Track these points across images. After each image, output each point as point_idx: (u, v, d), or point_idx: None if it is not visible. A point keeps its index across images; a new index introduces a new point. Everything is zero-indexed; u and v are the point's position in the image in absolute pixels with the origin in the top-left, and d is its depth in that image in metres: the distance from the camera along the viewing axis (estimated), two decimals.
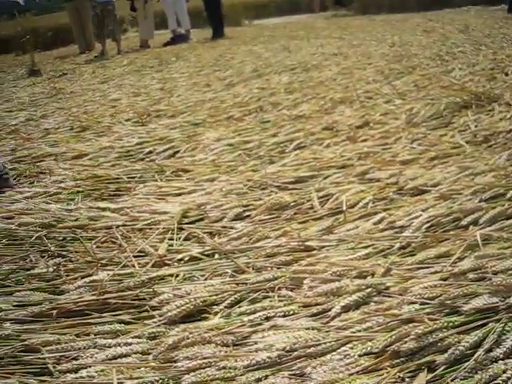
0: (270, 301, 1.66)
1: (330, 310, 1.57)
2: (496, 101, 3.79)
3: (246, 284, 1.74)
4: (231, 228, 2.18)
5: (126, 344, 1.50)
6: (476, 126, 3.31)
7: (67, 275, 1.88)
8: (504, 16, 9.93)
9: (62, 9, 12.69)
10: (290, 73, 5.72)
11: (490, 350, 1.36)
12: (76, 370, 1.40)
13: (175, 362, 1.41)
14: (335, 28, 10.61)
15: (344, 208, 2.21)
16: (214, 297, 1.68)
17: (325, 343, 1.42)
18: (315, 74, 5.52)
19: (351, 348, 1.40)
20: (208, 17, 10.88)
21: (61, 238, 2.18)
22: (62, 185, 2.73)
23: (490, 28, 8.12)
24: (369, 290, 1.63)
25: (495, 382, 1.26)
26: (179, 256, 1.97)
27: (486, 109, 3.67)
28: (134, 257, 1.96)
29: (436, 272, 1.72)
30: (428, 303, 1.54)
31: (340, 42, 8.13)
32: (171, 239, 2.11)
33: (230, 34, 11.01)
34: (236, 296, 1.69)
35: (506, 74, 4.69)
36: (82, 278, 1.85)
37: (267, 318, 1.56)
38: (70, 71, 7.70)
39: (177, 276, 1.83)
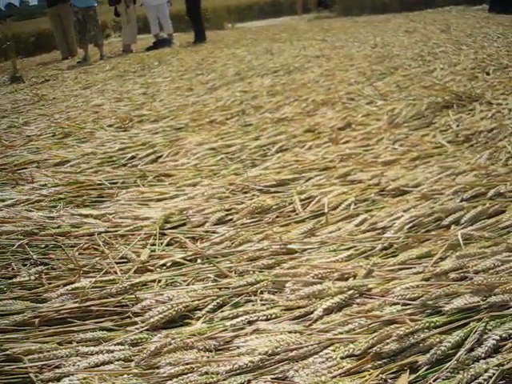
0: (253, 305, 1.66)
1: (312, 312, 1.57)
2: (477, 100, 3.81)
3: (229, 288, 1.74)
4: (213, 232, 2.18)
5: (109, 351, 1.49)
6: (457, 126, 3.33)
7: (49, 283, 1.87)
8: (485, 15, 10.01)
9: (43, 14, 12.64)
10: (272, 75, 5.73)
11: (471, 350, 1.36)
12: (58, 379, 1.39)
13: (158, 368, 1.41)
14: (318, 30, 10.64)
15: (326, 210, 2.22)
16: (197, 302, 1.68)
17: (307, 346, 1.42)
18: (298, 76, 5.53)
19: (333, 350, 1.40)
20: (190, 21, 10.89)
21: (43, 246, 2.16)
22: (44, 192, 2.70)
23: (472, 28, 8.17)
24: (351, 291, 1.63)
25: (477, 381, 1.26)
26: (161, 261, 1.97)
27: (468, 108, 3.69)
28: (116, 263, 1.95)
29: (418, 272, 1.73)
30: (410, 304, 1.54)
31: (322, 43, 8.15)
32: (153, 245, 2.10)
33: (212, 37, 11.03)
34: (218, 301, 1.68)
35: (487, 74, 4.72)
36: (64, 285, 1.83)
37: (250, 322, 1.56)
38: (52, 77, 7.67)
39: (159, 282, 1.83)
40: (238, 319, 1.56)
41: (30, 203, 2.59)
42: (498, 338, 1.38)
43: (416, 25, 9.61)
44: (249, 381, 1.34)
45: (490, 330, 1.42)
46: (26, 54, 11.64)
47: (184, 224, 2.29)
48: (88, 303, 1.72)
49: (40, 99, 5.72)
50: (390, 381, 1.31)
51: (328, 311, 1.57)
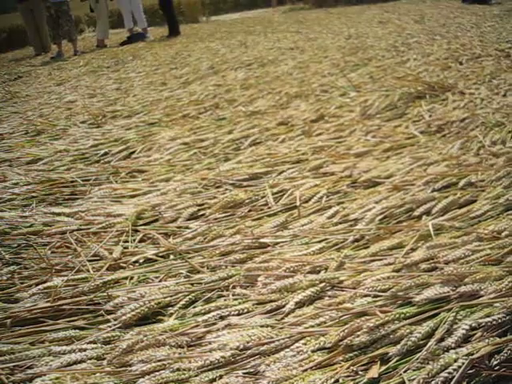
0: (225, 300, 1.66)
1: (283, 306, 1.58)
2: (450, 90, 3.84)
3: (201, 284, 1.74)
4: (186, 228, 2.17)
5: (81, 350, 1.48)
6: (430, 116, 3.35)
7: (21, 283, 1.86)
8: (459, 6, 10.08)
9: (15, 9, 12.47)
10: (246, 69, 5.72)
11: (441, 340, 1.38)
12: (30, 380, 1.38)
13: (130, 365, 1.40)
14: (292, 22, 10.63)
15: (298, 203, 2.22)
16: (169, 298, 1.68)
17: (278, 340, 1.42)
18: (271, 68, 5.52)
19: (304, 344, 1.41)
20: (164, 15, 10.84)
21: (15, 245, 2.15)
22: (16, 190, 2.68)
23: (446, 18, 8.22)
24: (322, 284, 1.64)
25: (447, 371, 1.27)
26: (134, 258, 1.96)
27: (440, 98, 3.72)
28: (89, 261, 1.95)
29: (389, 264, 1.74)
30: (380, 295, 1.55)
31: (297, 36, 8.15)
32: (126, 241, 2.10)
33: (187, 31, 10.99)
34: (190, 296, 1.69)
35: (460, 63, 4.75)
36: (37, 285, 1.82)
37: (222, 318, 1.56)
38: (25, 74, 7.60)
39: (131, 279, 1.82)
40: (210, 314, 1.57)
41: (2, 202, 2.57)
42: (467, 327, 1.40)
43: (390, 15, 9.65)
44: (220, 376, 1.34)
45: (460, 320, 1.43)
46: None
47: (157, 220, 2.29)
48: (60, 302, 1.72)
49: (12, 96, 5.67)
50: (360, 373, 1.32)
51: (300, 304, 1.58)
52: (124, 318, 1.59)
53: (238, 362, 1.38)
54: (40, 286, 1.79)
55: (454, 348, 1.35)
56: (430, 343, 1.35)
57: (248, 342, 1.42)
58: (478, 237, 1.82)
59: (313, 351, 1.39)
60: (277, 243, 1.97)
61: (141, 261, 1.96)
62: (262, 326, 1.49)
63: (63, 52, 9.16)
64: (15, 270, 1.95)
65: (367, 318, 1.44)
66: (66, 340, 1.55)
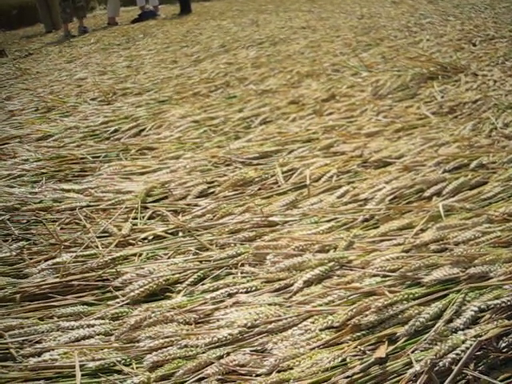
0: (233, 277, 1.66)
1: (292, 285, 1.57)
2: (462, 71, 3.80)
3: (210, 261, 1.74)
4: (195, 205, 2.17)
5: (89, 326, 1.49)
6: (442, 97, 3.32)
7: (30, 258, 1.86)
8: None
9: None
10: (257, 47, 5.68)
11: (450, 321, 1.37)
12: (39, 354, 1.39)
13: (138, 341, 1.41)
14: (304, 1, 10.55)
15: (308, 182, 2.21)
16: (177, 275, 1.68)
17: (286, 318, 1.42)
18: (283, 47, 5.49)
19: (312, 322, 1.41)
20: None
21: (24, 221, 2.15)
22: (26, 167, 2.69)
23: None
24: (331, 263, 1.63)
25: (455, 352, 1.27)
26: (143, 235, 1.96)
27: (453, 79, 3.68)
28: (98, 237, 1.95)
29: (398, 244, 1.73)
30: (389, 275, 1.55)
31: (309, 15, 8.09)
32: (135, 218, 2.10)
33: (198, 9, 10.94)
34: (199, 274, 1.69)
35: (474, 45, 4.70)
36: (46, 260, 1.83)
37: (230, 295, 1.56)
38: (36, 51, 7.58)
39: (140, 255, 1.83)
40: (218, 292, 1.57)
41: (12, 178, 2.58)
42: (476, 309, 1.39)
43: None
44: (228, 353, 1.34)
45: (469, 302, 1.43)
46: (8, 27, 11.47)
47: (166, 197, 2.28)
48: (69, 278, 1.72)
49: (23, 73, 5.66)
50: (368, 352, 1.32)
51: (308, 283, 1.57)
52: (132, 294, 1.59)
53: (246, 340, 1.38)
54: (49, 262, 1.80)
55: (462, 329, 1.34)
56: (438, 324, 1.35)
57: (256, 320, 1.42)
58: (489, 219, 1.81)
59: (320, 330, 1.39)
60: (286, 222, 1.96)
61: (150, 238, 1.96)
62: (269, 304, 1.48)
63: (70, 32, 9.06)
64: (24, 246, 1.95)
65: (375, 297, 1.43)
66: (74, 315, 1.56)
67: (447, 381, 1.22)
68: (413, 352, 1.29)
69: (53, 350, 1.40)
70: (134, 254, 1.83)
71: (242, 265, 1.71)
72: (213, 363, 1.30)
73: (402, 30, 5.74)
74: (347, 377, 1.25)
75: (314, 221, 1.94)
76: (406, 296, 1.44)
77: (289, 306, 1.47)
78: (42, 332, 1.48)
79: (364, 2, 9.01)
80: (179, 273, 1.69)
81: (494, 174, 2.19)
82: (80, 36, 8.64)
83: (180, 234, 1.97)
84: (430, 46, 4.80)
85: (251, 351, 1.34)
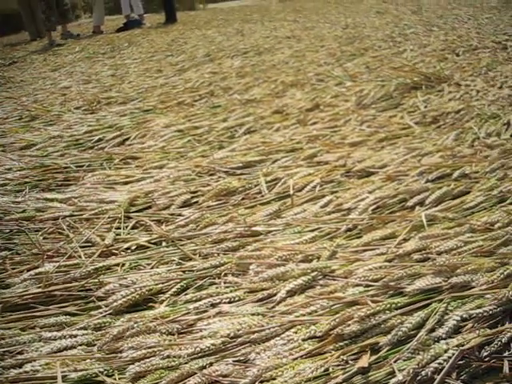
0: (216, 287, 1.66)
1: (275, 294, 1.57)
2: (446, 81, 3.84)
3: (193, 271, 1.74)
4: (179, 215, 2.17)
5: (72, 336, 1.48)
6: (425, 107, 3.35)
7: (13, 268, 1.85)
8: None
9: None
10: (242, 57, 5.69)
11: (432, 330, 1.37)
12: (20, 365, 1.38)
13: (120, 352, 1.40)
14: (290, 11, 10.60)
15: (291, 192, 2.22)
16: (160, 285, 1.67)
17: (269, 328, 1.42)
18: (267, 57, 5.51)
19: (295, 332, 1.40)
20: (161, 1, 10.79)
21: (7, 231, 2.14)
22: (9, 176, 2.67)
23: (443, 9, 8.22)
24: (314, 273, 1.63)
25: (437, 361, 1.27)
26: (126, 245, 1.95)
27: (436, 89, 3.71)
28: (81, 247, 1.94)
29: (381, 254, 1.73)
30: (372, 285, 1.55)
31: (294, 24, 8.12)
32: (118, 228, 2.09)
33: (183, 18, 10.94)
34: (182, 284, 1.68)
35: (457, 55, 4.75)
36: (28, 270, 1.81)
37: (213, 305, 1.56)
38: (20, 59, 7.55)
39: (123, 265, 1.82)
40: (202, 302, 1.56)
41: None
42: (458, 318, 1.40)
43: (388, 6, 9.62)
44: (211, 364, 1.34)
45: (451, 311, 1.43)
46: None
47: (149, 207, 2.28)
48: (51, 288, 1.71)
49: (7, 82, 5.64)
50: (351, 362, 1.32)
51: (291, 293, 1.57)
52: (115, 304, 1.59)
53: (229, 350, 1.38)
54: (31, 272, 1.78)
55: (444, 339, 1.35)
56: (420, 333, 1.35)
57: (239, 330, 1.41)
58: (471, 228, 1.82)
59: (303, 340, 1.38)
60: (269, 231, 1.96)
61: (133, 247, 1.95)
62: (252, 314, 1.48)
63: (54, 40, 9.02)
64: (7, 256, 1.94)
65: (358, 307, 1.43)
66: (56, 326, 1.54)
67: None
68: (395, 361, 1.29)
69: (34, 360, 1.38)
70: (117, 264, 1.82)
71: (226, 275, 1.71)
72: (195, 374, 1.29)
73: (386, 40, 5.78)
74: None
75: (298, 230, 1.94)
76: (388, 306, 1.44)
77: (272, 316, 1.47)
78: (24, 343, 1.47)
79: (349, 12, 9.06)
80: (162, 283, 1.68)
81: (477, 184, 2.20)
82: (65, 44, 8.61)
83: (163, 243, 1.96)
84: (414, 56, 4.84)
85: (234, 361, 1.34)
